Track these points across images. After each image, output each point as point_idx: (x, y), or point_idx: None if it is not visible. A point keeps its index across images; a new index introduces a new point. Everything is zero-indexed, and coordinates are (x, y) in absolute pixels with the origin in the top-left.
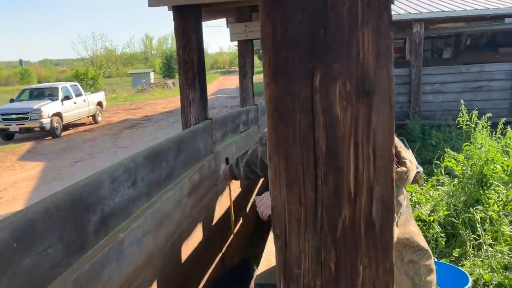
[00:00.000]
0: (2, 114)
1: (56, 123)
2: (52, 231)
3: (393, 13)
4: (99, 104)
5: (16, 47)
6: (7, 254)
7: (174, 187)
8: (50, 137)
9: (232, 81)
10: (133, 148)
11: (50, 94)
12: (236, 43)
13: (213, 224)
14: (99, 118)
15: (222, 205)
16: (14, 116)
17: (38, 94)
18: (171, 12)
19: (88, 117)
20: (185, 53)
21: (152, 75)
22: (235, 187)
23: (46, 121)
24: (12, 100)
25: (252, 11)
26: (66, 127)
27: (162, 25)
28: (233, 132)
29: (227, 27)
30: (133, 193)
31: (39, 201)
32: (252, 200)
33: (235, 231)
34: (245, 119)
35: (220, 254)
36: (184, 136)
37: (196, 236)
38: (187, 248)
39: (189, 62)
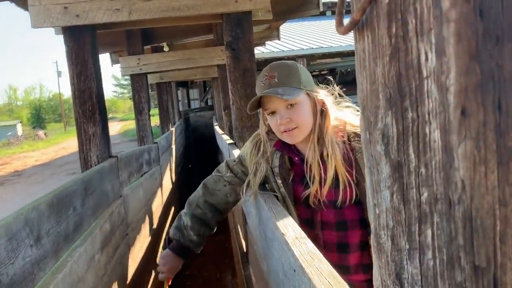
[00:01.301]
0: None
1: None
2: None
3: (277, 50)
4: None
5: None
6: None
7: (84, 240)
8: None
9: (111, 128)
10: (2, 209)
11: None
12: (113, 88)
13: (128, 282)
14: None
15: (135, 259)
16: None
17: None
18: (59, 36)
19: None
20: (80, 81)
21: (19, 127)
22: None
23: None
24: None
25: (144, 44)
26: None
27: (26, 75)
28: (138, 172)
29: (112, 66)
30: (37, 253)
31: None
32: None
33: None
34: (147, 158)
35: None
36: (90, 176)
37: None
38: None
39: (86, 90)
